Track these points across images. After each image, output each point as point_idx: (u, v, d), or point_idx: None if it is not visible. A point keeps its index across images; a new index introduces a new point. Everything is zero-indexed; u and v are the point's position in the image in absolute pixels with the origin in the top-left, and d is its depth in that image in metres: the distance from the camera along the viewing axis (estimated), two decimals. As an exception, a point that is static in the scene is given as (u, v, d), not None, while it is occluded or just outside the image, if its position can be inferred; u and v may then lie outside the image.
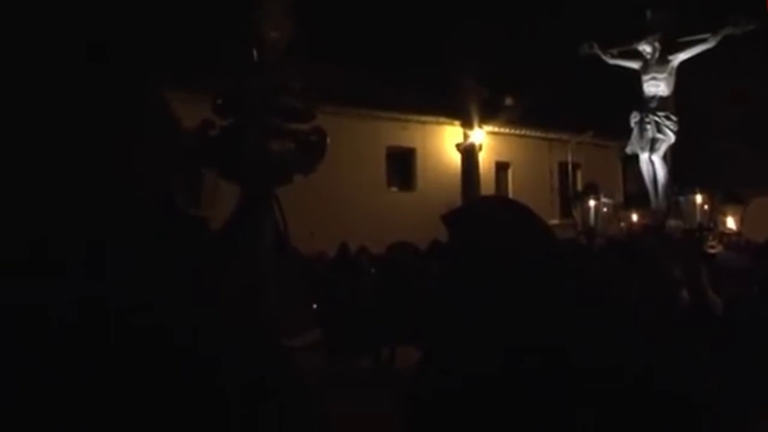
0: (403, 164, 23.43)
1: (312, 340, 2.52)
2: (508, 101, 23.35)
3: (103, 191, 1.27)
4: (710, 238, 10.70)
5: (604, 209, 11.06)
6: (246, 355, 1.34)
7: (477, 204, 2.22)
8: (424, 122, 23.23)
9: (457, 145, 23.19)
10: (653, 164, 12.83)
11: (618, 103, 14.00)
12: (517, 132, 24.34)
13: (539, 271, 1.97)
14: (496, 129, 23.66)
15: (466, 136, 23.00)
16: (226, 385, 1.27)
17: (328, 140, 2.10)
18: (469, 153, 22.80)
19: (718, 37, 12.75)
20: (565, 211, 18.62)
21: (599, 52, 13.68)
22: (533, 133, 24.71)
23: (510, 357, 1.79)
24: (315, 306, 10.29)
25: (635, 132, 13.04)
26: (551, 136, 24.69)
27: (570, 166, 24.01)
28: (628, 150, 13.38)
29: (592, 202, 10.97)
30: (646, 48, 13.23)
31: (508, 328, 1.83)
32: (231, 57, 2.06)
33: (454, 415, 1.81)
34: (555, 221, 20.59)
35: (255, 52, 1.95)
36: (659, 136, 12.83)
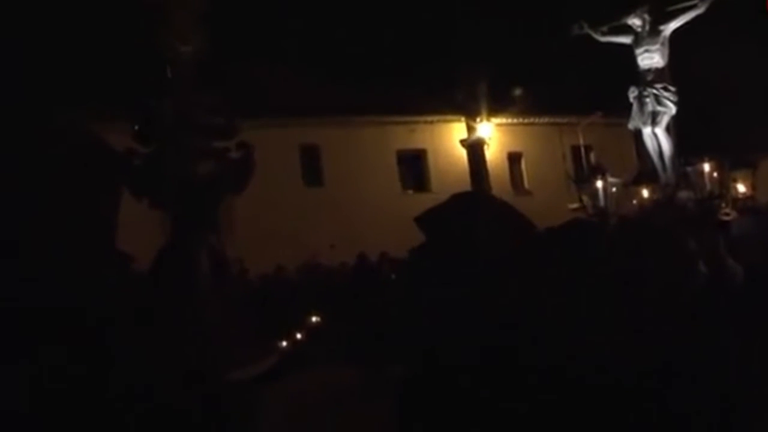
0: (415, 167, 23.44)
1: (266, 368, 2.45)
2: (515, 92, 23.16)
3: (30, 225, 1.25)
4: (723, 205, 10.60)
5: (613, 189, 10.97)
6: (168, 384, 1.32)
7: (447, 204, 2.32)
8: (431, 122, 23.22)
9: (462, 141, 23.02)
10: (657, 137, 12.65)
11: (625, 80, 13.83)
12: (526, 121, 24.19)
13: (512, 259, 2.06)
14: (504, 120, 23.51)
15: (471, 131, 22.82)
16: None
17: (256, 154, 2.09)
18: (475, 148, 22.63)
19: (707, 2, 12.58)
20: (583, 195, 18.44)
21: (590, 31, 13.54)
22: (542, 120, 24.54)
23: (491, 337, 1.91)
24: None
25: (635, 107, 12.84)
26: (560, 120, 24.45)
27: (582, 149, 23.76)
28: (631, 126, 13.20)
29: (599, 184, 10.91)
30: (635, 21, 13.07)
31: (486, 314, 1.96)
32: (144, 77, 2.06)
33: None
34: (574, 205, 20.42)
35: (168, 70, 1.94)
36: (659, 108, 12.63)
